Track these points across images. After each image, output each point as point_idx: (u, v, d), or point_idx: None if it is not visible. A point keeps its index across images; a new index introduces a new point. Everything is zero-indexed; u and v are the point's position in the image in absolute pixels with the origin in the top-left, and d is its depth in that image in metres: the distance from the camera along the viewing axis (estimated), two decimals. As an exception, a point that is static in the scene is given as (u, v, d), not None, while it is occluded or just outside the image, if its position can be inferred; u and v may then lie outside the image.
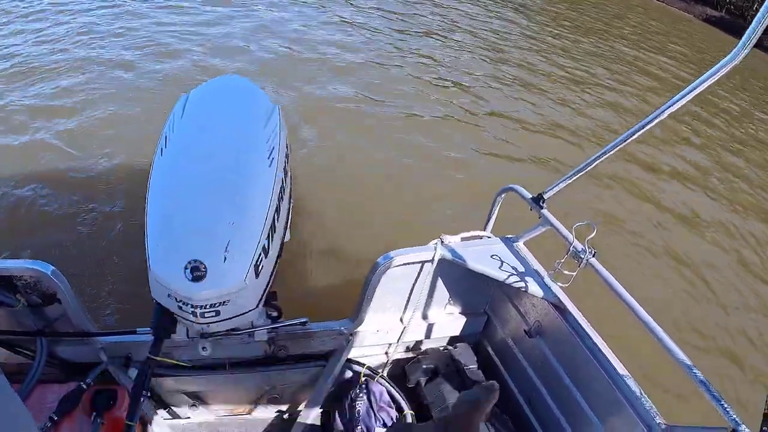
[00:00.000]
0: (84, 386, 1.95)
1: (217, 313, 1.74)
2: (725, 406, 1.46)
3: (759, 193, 7.11)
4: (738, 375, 4.08)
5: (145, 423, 2.21)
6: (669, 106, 1.57)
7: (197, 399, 2.38)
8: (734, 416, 1.43)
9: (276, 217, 1.81)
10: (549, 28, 12.64)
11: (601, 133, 7.45)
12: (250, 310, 1.83)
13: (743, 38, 1.33)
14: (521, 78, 8.80)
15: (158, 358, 1.86)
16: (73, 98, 5.73)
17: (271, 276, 1.87)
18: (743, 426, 1.42)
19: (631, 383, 1.81)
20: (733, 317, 4.68)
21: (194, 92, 2.02)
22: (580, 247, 1.92)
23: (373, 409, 2.17)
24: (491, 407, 1.63)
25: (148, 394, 1.86)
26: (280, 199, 1.84)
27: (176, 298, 1.69)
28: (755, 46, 1.35)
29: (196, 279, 1.62)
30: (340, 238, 4.42)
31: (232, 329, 1.92)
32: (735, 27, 17.71)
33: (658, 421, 1.68)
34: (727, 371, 4.08)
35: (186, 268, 1.62)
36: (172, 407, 2.39)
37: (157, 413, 2.28)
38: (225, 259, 1.64)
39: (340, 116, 6.29)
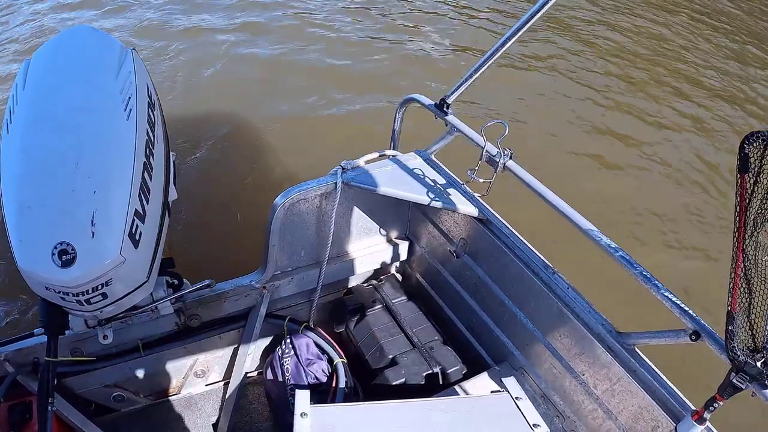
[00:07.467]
0: None
1: (104, 296, 1.57)
2: (681, 305, 1.37)
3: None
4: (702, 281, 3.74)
5: (71, 427, 2.05)
6: None
7: (121, 389, 2.23)
8: (693, 314, 1.35)
9: (148, 176, 1.61)
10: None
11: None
12: (141, 285, 1.67)
13: None
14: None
15: (58, 359, 1.68)
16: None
17: (157, 242, 1.69)
18: (704, 324, 1.33)
19: (574, 293, 1.71)
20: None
21: (36, 55, 1.75)
22: (494, 150, 1.78)
23: (301, 364, 2.08)
24: None
25: (53, 400, 1.70)
26: (149, 154, 1.63)
27: (55, 290, 1.51)
28: None
29: (67, 263, 1.43)
30: (236, 186, 4.11)
31: (132, 308, 1.76)
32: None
33: (609, 330, 1.60)
34: (686, 276, 3.81)
35: (53, 254, 1.43)
36: (98, 404, 2.23)
37: (82, 414, 2.12)
38: (93, 234, 1.46)
39: (220, 56, 5.86)
